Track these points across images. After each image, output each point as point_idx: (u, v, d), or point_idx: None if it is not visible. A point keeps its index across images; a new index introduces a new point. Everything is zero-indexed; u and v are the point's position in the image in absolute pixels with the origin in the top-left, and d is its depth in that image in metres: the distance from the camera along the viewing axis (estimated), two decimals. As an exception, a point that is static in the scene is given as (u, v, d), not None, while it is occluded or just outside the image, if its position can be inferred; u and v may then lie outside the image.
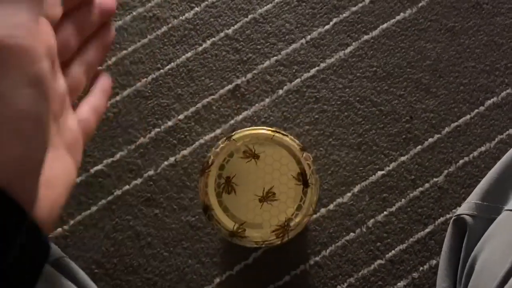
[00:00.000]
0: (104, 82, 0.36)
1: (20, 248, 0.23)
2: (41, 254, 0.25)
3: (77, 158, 0.31)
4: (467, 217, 0.37)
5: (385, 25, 0.46)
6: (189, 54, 0.46)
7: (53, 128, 0.29)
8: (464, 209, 0.38)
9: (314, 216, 0.43)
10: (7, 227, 0.23)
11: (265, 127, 0.36)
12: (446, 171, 0.43)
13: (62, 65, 0.31)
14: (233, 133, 0.36)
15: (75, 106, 0.33)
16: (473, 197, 0.38)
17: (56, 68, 0.30)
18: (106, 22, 0.34)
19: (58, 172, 0.28)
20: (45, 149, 0.25)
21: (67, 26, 0.30)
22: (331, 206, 0.43)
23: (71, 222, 0.44)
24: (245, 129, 0.36)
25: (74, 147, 0.31)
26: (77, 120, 0.32)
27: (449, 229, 0.39)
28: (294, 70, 0.45)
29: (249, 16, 0.46)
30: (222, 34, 0.46)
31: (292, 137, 0.36)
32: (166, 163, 0.44)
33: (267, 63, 0.45)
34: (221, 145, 0.36)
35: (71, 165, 0.30)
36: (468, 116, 0.44)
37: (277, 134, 0.36)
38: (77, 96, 0.34)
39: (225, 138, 0.36)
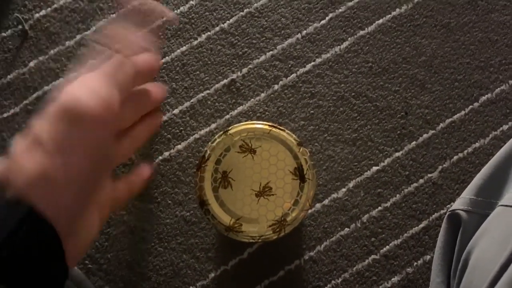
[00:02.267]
0: (144, 171, 0.39)
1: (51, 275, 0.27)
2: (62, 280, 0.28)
3: (102, 217, 0.33)
4: (461, 212, 0.37)
5: (380, 21, 0.46)
6: (184, 48, 0.46)
7: None
8: (458, 204, 0.38)
9: (309, 211, 0.43)
10: (51, 261, 0.26)
11: (261, 122, 0.36)
12: (440, 167, 0.43)
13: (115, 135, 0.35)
14: (229, 128, 0.36)
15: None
16: (468, 193, 0.38)
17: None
18: (158, 108, 0.39)
19: (85, 223, 0.31)
20: (86, 206, 0.29)
21: (129, 104, 0.34)
22: (326, 201, 0.43)
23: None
24: (242, 123, 0.36)
25: (103, 208, 0.34)
26: (113, 187, 0.35)
27: (444, 224, 0.39)
28: (289, 65, 0.45)
29: (245, 10, 0.46)
30: (217, 28, 0.46)
31: (289, 132, 0.35)
32: (160, 157, 0.44)
33: (262, 57, 0.45)
34: (218, 140, 0.36)
35: (96, 221, 0.33)
36: (462, 112, 0.44)
37: (274, 129, 0.35)
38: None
39: (221, 132, 0.36)
